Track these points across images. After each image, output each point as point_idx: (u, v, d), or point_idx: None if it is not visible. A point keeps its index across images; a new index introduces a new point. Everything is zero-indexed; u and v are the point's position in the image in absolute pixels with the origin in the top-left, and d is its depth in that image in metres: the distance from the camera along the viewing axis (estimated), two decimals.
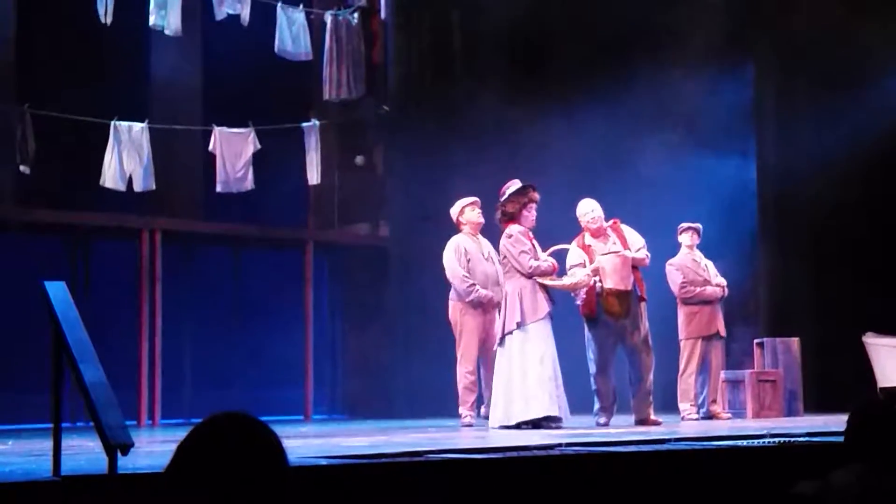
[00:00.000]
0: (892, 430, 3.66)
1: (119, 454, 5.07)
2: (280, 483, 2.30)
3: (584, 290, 10.04)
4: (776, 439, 7.44)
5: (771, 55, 13.87)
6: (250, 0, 12.75)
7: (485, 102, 13.54)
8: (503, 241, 9.78)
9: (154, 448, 7.50)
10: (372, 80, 13.96)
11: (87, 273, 12.75)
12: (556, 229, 10.42)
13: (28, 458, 6.53)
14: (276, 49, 13.19)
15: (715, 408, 11.35)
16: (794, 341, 12.06)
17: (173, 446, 2.33)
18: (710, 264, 11.54)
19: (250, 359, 13.38)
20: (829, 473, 3.61)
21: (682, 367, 11.34)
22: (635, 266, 10.25)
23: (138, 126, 12.62)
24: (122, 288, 12.63)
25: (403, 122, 13.86)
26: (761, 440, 7.47)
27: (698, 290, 11.32)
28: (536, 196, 9.80)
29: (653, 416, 10.15)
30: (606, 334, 10.16)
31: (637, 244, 10.35)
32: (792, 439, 7.44)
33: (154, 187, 12.66)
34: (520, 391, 9.42)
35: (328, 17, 13.67)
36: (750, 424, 10.22)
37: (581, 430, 9.03)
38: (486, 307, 10.30)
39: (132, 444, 5.15)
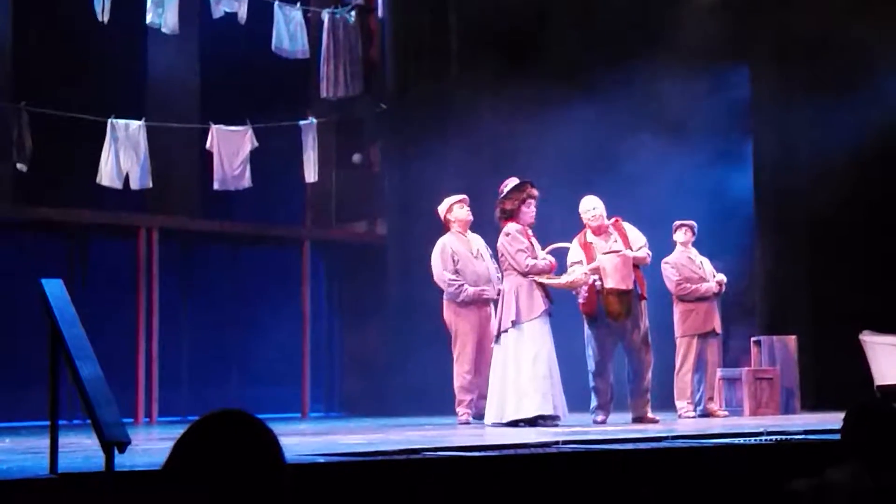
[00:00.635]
0: (889, 428, 3.66)
1: (116, 452, 5.07)
2: (277, 481, 2.30)
3: (586, 288, 10.05)
4: (773, 437, 7.44)
5: (768, 54, 13.87)
6: None
7: (481, 100, 13.54)
8: (501, 239, 9.77)
9: (151, 446, 7.50)
10: (369, 79, 13.97)
11: (85, 271, 12.75)
12: (554, 227, 10.42)
13: (25, 456, 6.53)
14: (273, 47, 13.19)
15: (712, 405, 11.34)
16: (791, 339, 12.07)
17: (170, 444, 2.33)
18: (705, 261, 11.55)
19: (247, 356, 13.39)
20: (826, 471, 3.62)
21: (678, 364, 11.34)
22: (636, 265, 10.26)
23: (135, 124, 12.62)
24: (120, 285, 12.63)
25: (400, 120, 13.86)
26: (758, 438, 7.47)
27: (693, 287, 11.32)
28: (535, 192, 9.79)
29: (650, 414, 10.16)
30: (607, 333, 10.17)
31: (638, 242, 10.36)
32: (789, 437, 7.45)
33: (151, 185, 12.66)
34: (513, 389, 9.42)
35: (325, 16, 13.68)
36: (747, 422, 10.23)
37: (578, 428, 9.02)
38: (479, 305, 10.30)
39: (129, 442, 5.15)
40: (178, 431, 2.36)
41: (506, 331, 9.54)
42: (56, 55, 12.79)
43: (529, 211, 9.77)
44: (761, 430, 8.03)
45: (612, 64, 13.15)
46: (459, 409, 10.28)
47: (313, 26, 13.63)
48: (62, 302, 5.45)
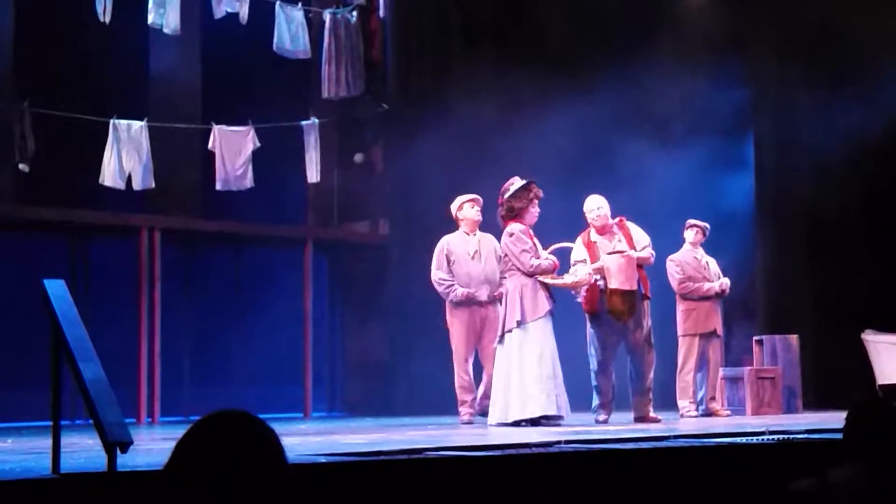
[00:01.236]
0: (891, 428, 3.66)
1: (118, 452, 5.07)
2: (279, 481, 2.30)
3: (585, 288, 10.06)
4: (775, 436, 7.44)
5: (769, 52, 13.86)
6: None
7: (483, 100, 13.54)
8: (504, 239, 9.78)
9: (153, 446, 7.50)
10: (370, 79, 13.97)
11: (87, 271, 12.76)
12: (554, 226, 10.42)
13: (27, 456, 6.53)
14: (274, 47, 13.19)
15: (714, 405, 11.34)
16: (794, 338, 12.06)
17: (172, 444, 2.33)
18: (711, 261, 11.55)
19: (249, 356, 13.39)
20: (828, 471, 3.62)
21: (680, 363, 11.35)
22: (640, 264, 10.27)
23: (137, 124, 12.62)
24: (122, 286, 12.63)
25: (402, 121, 13.86)
26: (760, 437, 7.47)
27: (696, 286, 11.32)
28: (540, 192, 9.83)
29: (652, 414, 10.16)
30: (609, 332, 10.17)
31: (642, 242, 10.37)
32: (791, 436, 7.45)
33: (153, 185, 12.67)
34: (517, 390, 9.42)
35: (327, 16, 13.68)
36: (749, 421, 10.23)
37: (580, 428, 9.02)
38: (472, 307, 10.30)
39: (131, 442, 5.15)
40: (180, 431, 2.36)
41: (510, 331, 9.54)
42: (58, 56, 12.79)
43: (536, 210, 9.81)
44: (763, 429, 8.03)
45: (614, 63, 13.15)
46: (461, 409, 10.29)
47: (315, 26, 13.64)
48: (64, 302, 5.45)
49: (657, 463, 6.52)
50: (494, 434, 8.67)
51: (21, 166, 12.09)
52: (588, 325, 10.27)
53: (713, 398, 11.38)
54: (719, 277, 11.44)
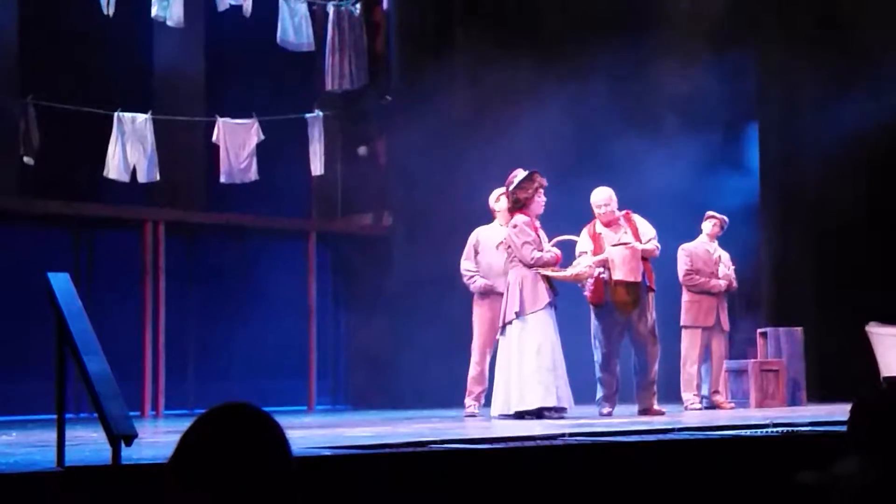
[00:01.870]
0: (895, 421, 3.65)
1: (123, 445, 5.08)
2: (284, 474, 2.30)
3: (592, 280, 10.05)
4: (779, 429, 7.44)
5: (775, 43, 13.84)
6: None
7: (487, 93, 13.53)
8: (508, 230, 9.79)
9: (157, 439, 7.51)
10: (374, 71, 13.95)
11: (91, 264, 12.76)
12: (557, 218, 10.41)
13: (32, 449, 6.54)
14: (278, 40, 13.17)
15: (718, 397, 11.35)
16: (798, 331, 12.06)
17: (177, 437, 2.33)
18: (724, 255, 11.54)
19: (254, 349, 13.38)
20: (833, 463, 3.61)
21: (683, 356, 11.35)
22: (645, 257, 10.26)
23: (141, 117, 12.62)
24: (126, 279, 12.63)
25: (406, 113, 13.84)
26: (764, 430, 7.47)
27: (702, 280, 11.31)
28: (544, 181, 9.86)
29: (656, 406, 10.16)
30: (613, 324, 10.17)
31: (648, 235, 10.37)
32: (795, 429, 7.45)
33: (158, 178, 12.67)
34: (517, 381, 9.46)
35: (330, 8, 13.66)
36: (753, 414, 10.23)
37: (584, 420, 9.03)
38: (493, 298, 10.35)
39: (136, 435, 5.16)
40: (185, 424, 2.36)
41: (510, 322, 9.58)
42: (62, 49, 12.79)
43: (542, 200, 9.83)
44: (767, 422, 8.03)
45: (618, 53, 13.12)
46: (467, 401, 10.32)
47: (318, 19, 13.62)
48: (69, 295, 5.46)
49: (661, 456, 6.52)
50: (498, 427, 8.67)
51: (26, 160, 12.09)
52: (592, 317, 10.27)
53: (717, 391, 11.38)
54: (729, 268, 11.44)
